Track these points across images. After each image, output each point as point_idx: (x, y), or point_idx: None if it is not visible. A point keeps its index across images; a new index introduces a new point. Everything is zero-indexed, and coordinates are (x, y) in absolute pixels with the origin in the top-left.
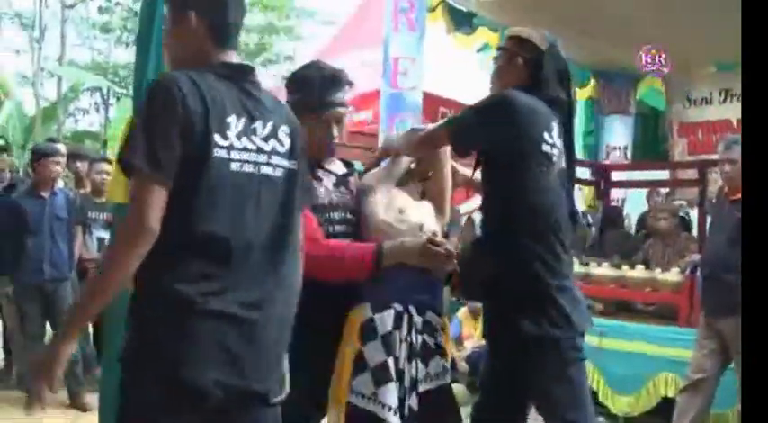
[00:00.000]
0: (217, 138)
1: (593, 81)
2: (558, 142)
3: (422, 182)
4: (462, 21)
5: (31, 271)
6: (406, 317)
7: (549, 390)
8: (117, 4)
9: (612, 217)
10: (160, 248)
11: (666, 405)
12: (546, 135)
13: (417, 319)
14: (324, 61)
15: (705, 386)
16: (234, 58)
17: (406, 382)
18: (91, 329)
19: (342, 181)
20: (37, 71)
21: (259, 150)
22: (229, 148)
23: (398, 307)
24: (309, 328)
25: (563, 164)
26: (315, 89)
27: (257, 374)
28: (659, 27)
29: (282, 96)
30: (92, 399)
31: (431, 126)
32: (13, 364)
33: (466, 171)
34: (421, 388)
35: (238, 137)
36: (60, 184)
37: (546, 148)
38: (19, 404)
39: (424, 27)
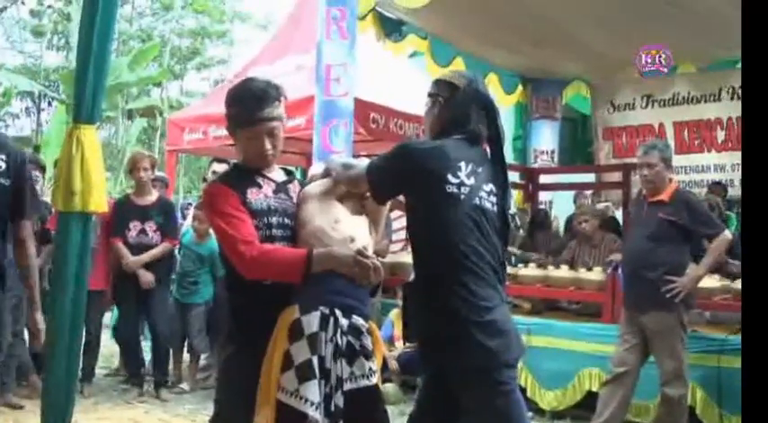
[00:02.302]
0: None
1: (521, 87)
2: (470, 179)
3: (361, 200)
4: (392, 28)
5: (13, 278)
6: (331, 319)
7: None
8: (49, 7)
9: (539, 219)
10: None
11: (591, 399)
12: (450, 176)
13: (343, 322)
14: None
15: (627, 379)
16: None
17: (332, 381)
18: (27, 337)
19: (281, 188)
20: None
21: None
22: None
23: (325, 310)
24: (247, 332)
25: (477, 199)
26: (245, 106)
27: None
28: (585, 35)
29: (216, 100)
30: (27, 403)
31: (359, 166)
32: None
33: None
34: (346, 387)
35: None
36: None
37: (450, 188)
38: None
39: (356, 35)
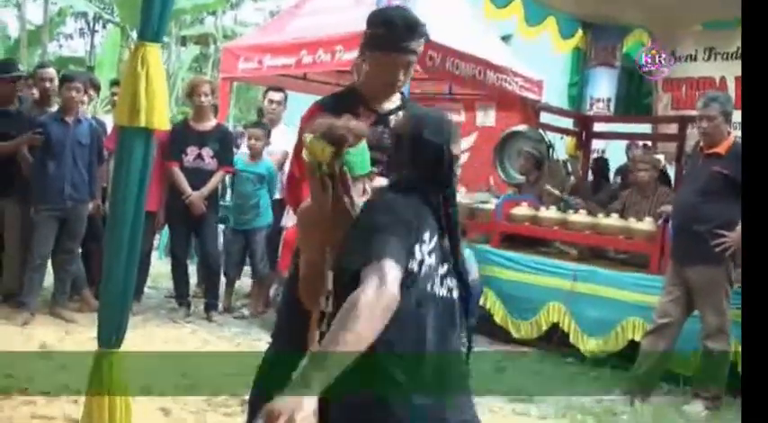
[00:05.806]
0: None
1: (580, 31)
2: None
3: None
4: None
5: (52, 191)
6: None
7: None
8: None
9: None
10: None
11: (633, 349)
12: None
13: None
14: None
15: (669, 331)
16: None
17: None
18: (80, 250)
19: (382, 120)
20: None
21: None
22: None
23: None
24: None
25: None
26: (394, 30)
27: None
28: None
29: (272, 30)
30: (79, 317)
31: None
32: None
33: None
34: None
35: None
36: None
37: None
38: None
39: None
